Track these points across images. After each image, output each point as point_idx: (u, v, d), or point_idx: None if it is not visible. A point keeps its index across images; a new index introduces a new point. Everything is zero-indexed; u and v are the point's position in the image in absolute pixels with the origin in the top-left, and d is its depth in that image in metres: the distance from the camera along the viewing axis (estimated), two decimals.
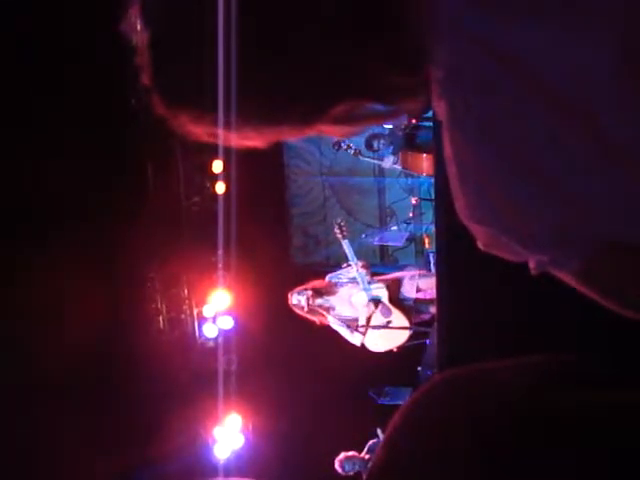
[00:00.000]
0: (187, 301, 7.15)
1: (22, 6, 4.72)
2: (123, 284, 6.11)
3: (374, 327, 5.51)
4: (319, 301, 5.59)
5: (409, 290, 5.65)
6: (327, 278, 5.81)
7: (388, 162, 6.02)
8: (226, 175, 6.57)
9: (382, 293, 5.57)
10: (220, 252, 6.41)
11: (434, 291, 4.50)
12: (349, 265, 5.65)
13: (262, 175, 6.64)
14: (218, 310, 6.86)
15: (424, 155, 5.70)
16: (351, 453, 5.76)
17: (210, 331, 6.97)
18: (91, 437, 4.94)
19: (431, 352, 5.22)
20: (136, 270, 6.51)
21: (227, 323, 6.86)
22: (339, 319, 5.61)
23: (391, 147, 5.97)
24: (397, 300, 5.62)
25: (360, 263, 5.60)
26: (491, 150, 0.85)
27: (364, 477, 5.28)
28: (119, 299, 5.93)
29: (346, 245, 5.53)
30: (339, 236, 5.56)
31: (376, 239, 7.24)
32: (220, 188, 6.80)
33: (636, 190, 0.82)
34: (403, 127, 5.83)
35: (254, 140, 0.98)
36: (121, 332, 5.85)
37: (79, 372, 5.00)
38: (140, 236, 5.87)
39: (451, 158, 0.89)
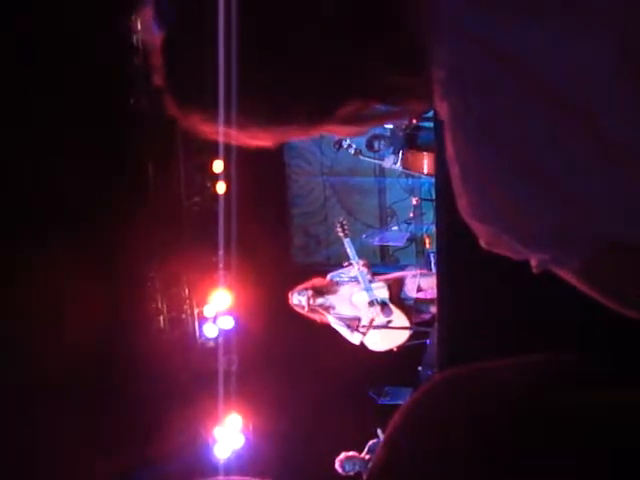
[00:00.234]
0: (188, 301, 7.15)
1: (22, 6, 4.72)
2: (123, 284, 6.11)
3: (375, 327, 5.51)
4: (319, 300, 5.59)
5: (410, 289, 5.65)
6: (328, 277, 5.81)
7: (389, 162, 6.02)
8: (227, 175, 6.57)
9: (383, 293, 5.57)
10: (221, 252, 6.41)
11: (435, 291, 4.50)
12: (350, 264, 5.65)
13: (263, 175, 6.64)
14: (219, 310, 6.86)
15: (425, 154, 5.70)
16: (351, 453, 5.76)
17: (210, 331, 6.97)
18: (91, 437, 4.94)
19: (431, 352, 5.22)
20: (136, 270, 6.51)
21: (227, 323, 6.86)
22: (339, 318, 5.61)
23: (392, 148, 5.97)
24: (398, 300, 5.62)
25: (361, 262, 5.60)
26: (491, 150, 0.85)
27: (364, 477, 5.28)
28: (119, 299, 5.92)
29: (348, 244, 5.54)
30: (341, 235, 5.56)
31: (377, 239, 7.25)
32: (221, 188, 6.80)
33: (636, 190, 0.82)
34: (404, 127, 5.83)
35: (263, 140, 0.99)
36: (121, 332, 5.85)
37: (79, 372, 5.00)
38: (140, 236, 5.87)
39: (453, 158, 0.89)
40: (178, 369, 6.75)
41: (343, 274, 5.76)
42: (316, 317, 5.63)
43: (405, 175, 7.08)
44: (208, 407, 6.43)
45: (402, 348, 5.63)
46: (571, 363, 0.79)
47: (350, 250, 5.54)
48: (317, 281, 5.71)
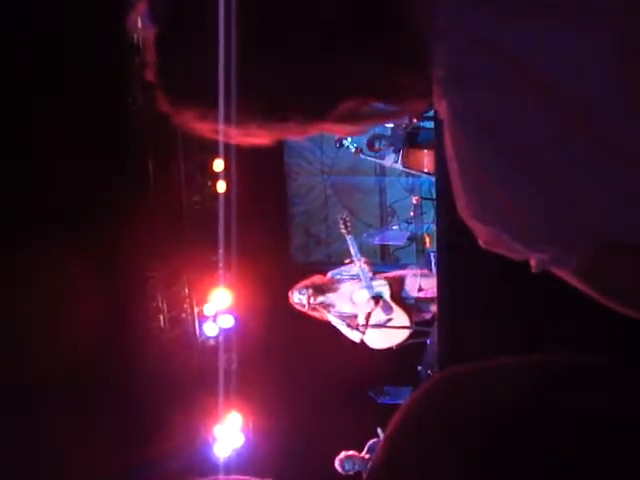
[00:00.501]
0: (188, 300, 7.15)
1: (22, 5, 4.72)
2: (123, 283, 6.11)
3: (374, 326, 5.51)
4: (320, 299, 5.59)
5: (411, 288, 5.65)
6: (329, 274, 5.81)
7: (389, 161, 6.02)
8: (227, 174, 6.57)
9: (384, 290, 5.57)
10: (221, 251, 6.41)
11: (435, 290, 4.50)
12: (352, 262, 5.65)
13: (263, 174, 6.65)
14: (219, 309, 6.86)
15: (425, 152, 5.70)
16: (351, 452, 5.77)
17: (211, 330, 6.96)
18: (91, 436, 4.94)
19: (431, 351, 5.22)
20: (137, 269, 6.51)
21: (228, 322, 6.85)
22: (339, 316, 5.61)
23: (392, 148, 5.97)
24: (399, 298, 5.62)
25: (363, 259, 5.60)
26: (491, 149, 0.85)
27: (364, 476, 5.28)
28: (119, 298, 5.92)
29: (350, 241, 5.53)
30: (343, 231, 5.55)
31: (377, 238, 7.24)
32: (221, 187, 6.79)
33: (636, 190, 0.82)
34: (404, 126, 5.83)
35: (259, 137, 0.99)
36: (122, 331, 5.85)
37: (79, 372, 4.99)
38: (140, 235, 5.86)
39: (452, 157, 0.89)
40: (178, 368, 6.75)
41: (344, 272, 5.76)
42: (317, 315, 5.63)
43: (405, 174, 7.07)
44: (208, 406, 6.43)
45: (402, 346, 5.63)
46: (571, 362, 0.79)
47: (352, 247, 5.53)
48: (317, 279, 5.70)
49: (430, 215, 6.72)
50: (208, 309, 6.91)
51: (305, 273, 5.89)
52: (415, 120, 5.61)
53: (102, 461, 5.07)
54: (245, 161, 4.42)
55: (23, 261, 4.66)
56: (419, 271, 5.84)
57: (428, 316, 5.61)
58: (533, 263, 0.90)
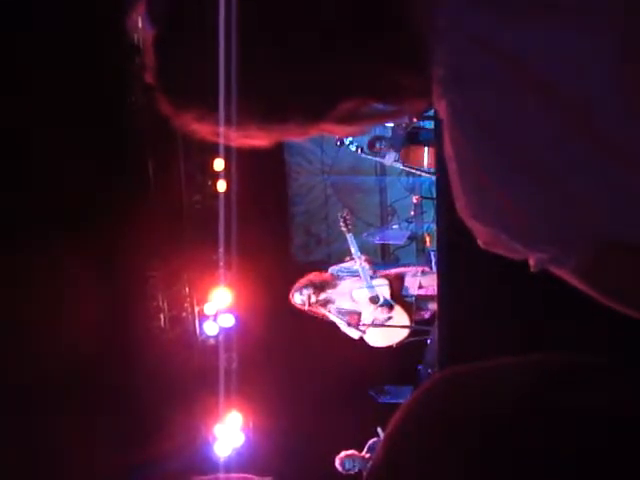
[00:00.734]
0: (188, 299, 7.15)
1: (22, 5, 4.72)
2: (124, 282, 6.11)
3: (375, 325, 5.51)
4: (321, 296, 5.59)
5: (411, 287, 5.65)
6: (329, 270, 5.81)
7: (390, 159, 6.03)
8: (227, 173, 6.57)
9: (384, 289, 5.56)
10: (221, 250, 6.41)
11: (435, 288, 4.50)
12: (352, 259, 5.65)
13: (263, 173, 6.64)
14: (219, 308, 6.86)
15: (425, 148, 5.70)
16: (351, 452, 5.77)
17: (211, 329, 6.96)
18: (91, 437, 4.94)
19: (432, 350, 5.22)
20: (137, 268, 6.51)
21: (228, 321, 6.85)
22: (339, 312, 5.61)
23: (393, 149, 5.97)
24: (399, 296, 5.61)
25: (363, 257, 5.60)
26: (491, 149, 0.85)
27: (364, 476, 5.28)
28: (120, 297, 5.92)
29: (350, 239, 5.52)
30: (344, 229, 5.55)
31: (377, 238, 7.24)
32: (221, 186, 6.80)
33: (636, 190, 0.82)
34: (404, 126, 5.84)
35: (259, 139, 0.98)
36: (122, 330, 5.85)
37: (79, 372, 5.00)
38: (141, 234, 5.86)
39: (452, 157, 0.89)
40: (178, 367, 6.75)
41: (344, 268, 5.75)
42: (319, 311, 5.62)
43: (406, 174, 7.08)
44: (208, 405, 6.43)
45: (401, 345, 5.63)
46: (571, 362, 0.79)
47: (352, 245, 5.52)
48: (314, 276, 5.69)
49: (430, 214, 6.72)
50: (208, 308, 6.92)
51: (305, 273, 5.89)
52: (415, 120, 5.61)
53: (102, 461, 5.07)
54: (245, 161, 4.41)
55: (23, 261, 4.66)
56: (420, 269, 5.84)
57: (427, 314, 5.61)
58: (532, 263, 0.90)
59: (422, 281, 5.65)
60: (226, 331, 6.89)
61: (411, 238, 7.32)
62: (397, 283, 5.65)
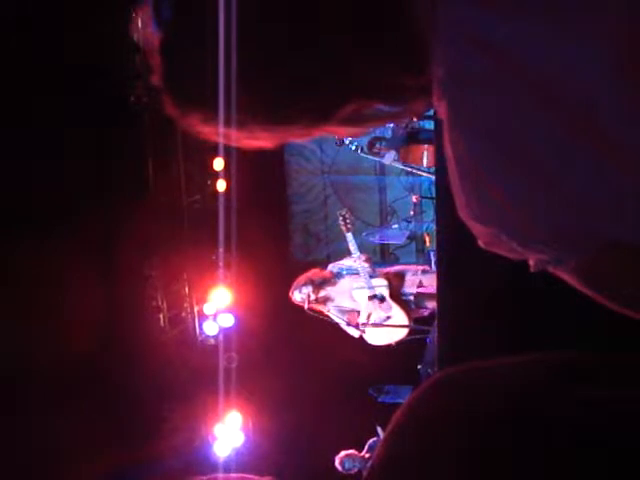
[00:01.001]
0: (188, 299, 7.15)
1: (22, 5, 4.72)
2: (123, 282, 6.11)
3: (374, 325, 5.51)
4: (321, 293, 5.58)
5: (411, 286, 5.64)
6: (329, 267, 5.80)
7: (389, 158, 6.02)
8: (227, 173, 6.58)
9: (384, 290, 5.56)
10: (221, 250, 6.41)
11: (435, 287, 4.50)
12: (351, 258, 5.65)
13: (263, 173, 6.64)
14: (219, 308, 6.86)
15: (425, 146, 5.70)
16: (351, 451, 5.77)
17: (211, 329, 6.96)
18: (91, 436, 4.94)
19: (431, 350, 5.22)
20: (136, 268, 6.51)
21: (228, 321, 6.86)
22: (338, 310, 5.61)
23: (393, 149, 5.97)
24: (398, 296, 5.61)
25: (363, 257, 5.60)
26: (491, 149, 0.85)
27: (364, 475, 5.29)
28: (119, 297, 5.93)
29: (350, 238, 5.52)
30: (343, 228, 5.54)
31: (377, 237, 7.24)
32: (221, 186, 6.80)
33: (636, 190, 0.82)
34: (404, 125, 5.83)
35: (263, 141, 0.99)
36: (122, 330, 5.85)
37: (79, 371, 5.00)
38: (140, 234, 5.87)
39: (451, 157, 0.89)
40: (178, 367, 6.75)
41: (344, 265, 5.75)
42: (319, 308, 5.62)
43: (405, 173, 7.08)
44: (208, 405, 6.43)
45: (400, 343, 5.63)
46: (571, 361, 0.79)
47: (352, 244, 5.52)
48: (316, 273, 5.68)
49: (430, 214, 6.73)
50: (208, 308, 6.92)
51: (305, 272, 5.89)
52: (415, 120, 5.61)
53: (102, 460, 5.07)
54: (245, 160, 4.41)
55: (23, 261, 4.66)
56: (420, 267, 5.84)
57: (426, 313, 5.61)
58: (532, 263, 0.90)
59: (422, 280, 5.64)
60: (226, 331, 6.89)
61: (410, 238, 7.32)
62: (396, 282, 5.65)
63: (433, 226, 5.84)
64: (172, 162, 6.76)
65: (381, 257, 7.96)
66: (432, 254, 5.81)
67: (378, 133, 6.20)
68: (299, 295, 5.55)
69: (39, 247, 4.71)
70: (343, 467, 5.71)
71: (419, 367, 5.57)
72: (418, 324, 5.55)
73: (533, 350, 0.80)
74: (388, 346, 5.64)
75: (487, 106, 0.85)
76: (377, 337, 5.61)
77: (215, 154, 6.53)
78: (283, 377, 6.40)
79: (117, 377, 5.50)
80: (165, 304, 6.91)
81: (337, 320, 5.62)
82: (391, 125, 5.94)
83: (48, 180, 4.88)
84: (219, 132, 0.96)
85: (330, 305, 5.63)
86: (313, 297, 5.52)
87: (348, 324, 5.54)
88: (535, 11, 0.83)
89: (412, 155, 5.85)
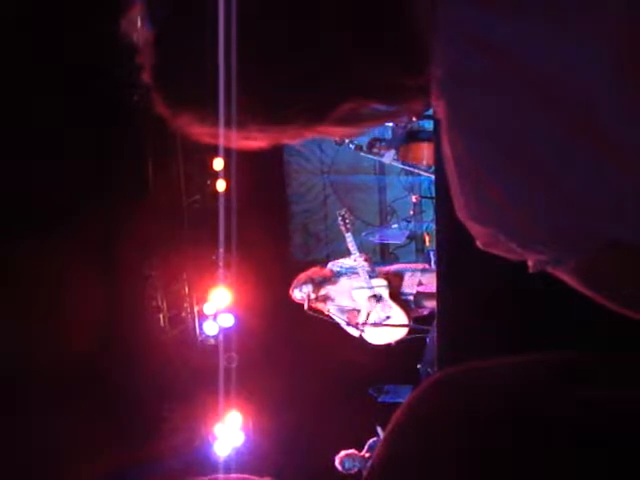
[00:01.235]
0: (188, 299, 7.15)
1: (22, 4, 4.72)
2: (123, 282, 6.11)
3: (374, 325, 5.51)
4: (321, 292, 5.59)
5: (410, 285, 5.64)
6: (328, 265, 5.80)
7: (389, 157, 6.02)
8: (227, 173, 6.57)
9: (383, 290, 5.57)
10: (221, 250, 6.41)
11: (434, 286, 4.50)
12: (352, 258, 5.65)
13: (263, 173, 6.63)
14: (219, 308, 6.86)
15: (425, 144, 5.69)
16: (351, 451, 5.77)
17: (211, 329, 6.96)
18: (91, 435, 4.94)
19: (431, 350, 5.22)
20: (136, 268, 6.51)
21: (228, 321, 6.85)
22: (338, 310, 5.61)
23: (392, 149, 5.97)
24: (397, 296, 5.62)
25: (362, 256, 5.60)
26: (490, 149, 0.85)
27: (364, 475, 5.28)
28: (119, 297, 5.93)
29: (349, 238, 5.52)
30: (342, 229, 5.54)
31: (376, 237, 7.24)
32: (221, 186, 6.80)
33: (636, 190, 0.82)
34: (404, 125, 5.83)
35: (258, 141, 0.98)
36: (121, 330, 5.85)
37: (79, 371, 5.00)
38: (140, 234, 5.86)
39: (450, 157, 0.89)
40: (178, 367, 6.75)
41: (344, 264, 5.74)
42: (319, 307, 5.62)
43: (405, 173, 7.08)
44: (208, 405, 6.44)
45: (400, 343, 5.63)
46: (570, 362, 0.79)
47: (351, 245, 5.52)
48: (316, 271, 5.68)
49: (430, 214, 6.73)
50: (208, 308, 6.92)
51: (305, 271, 5.89)
52: (415, 119, 5.61)
53: (102, 460, 5.07)
54: (245, 160, 4.40)
55: (23, 261, 4.66)
56: (420, 266, 5.84)
57: (426, 312, 5.61)
58: (531, 264, 0.90)
59: (422, 279, 5.65)
60: (226, 331, 6.89)
61: (410, 237, 7.32)
62: (396, 282, 5.65)
63: (433, 226, 5.84)
64: (172, 162, 6.76)
65: (381, 257, 7.96)
66: (432, 254, 5.81)
67: (378, 133, 6.19)
68: (299, 294, 5.56)
69: (39, 247, 4.71)
70: (343, 467, 5.71)
71: (419, 367, 5.57)
72: (418, 324, 5.56)
73: (533, 350, 0.80)
74: (388, 346, 5.65)
75: (487, 106, 0.85)
76: (377, 337, 5.62)
77: (215, 154, 6.53)
78: (283, 377, 6.40)
79: (117, 377, 5.50)
80: (165, 304, 6.91)
81: (337, 319, 5.62)
82: (391, 125, 5.94)
83: (48, 180, 4.88)
84: (213, 132, 0.95)
85: (330, 304, 5.63)
86: (313, 296, 5.53)
87: (348, 323, 5.55)
88: (535, 11, 0.83)
89: (412, 154, 5.85)
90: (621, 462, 0.65)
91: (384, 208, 8.03)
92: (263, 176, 6.73)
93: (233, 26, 0.85)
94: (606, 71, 0.79)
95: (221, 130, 0.94)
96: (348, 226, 5.54)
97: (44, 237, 4.80)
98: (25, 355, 4.70)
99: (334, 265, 5.79)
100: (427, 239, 6.75)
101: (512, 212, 0.87)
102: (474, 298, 2.82)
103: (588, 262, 0.86)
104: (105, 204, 5.57)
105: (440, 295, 3.32)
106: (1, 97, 4.59)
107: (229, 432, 6.60)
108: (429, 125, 5.74)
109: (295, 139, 1.00)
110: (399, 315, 5.57)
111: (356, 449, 5.79)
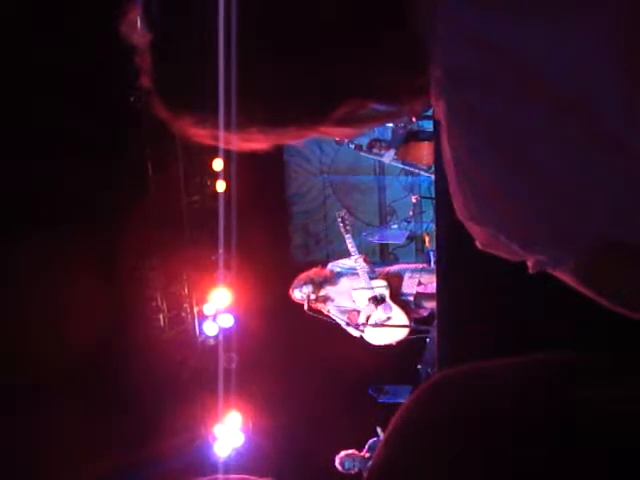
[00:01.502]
0: (187, 299, 7.15)
1: (22, 5, 4.72)
2: (123, 282, 6.11)
3: (374, 325, 5.51)
4: (321, 292, 5.58)
5: (410, 286, 5.64)
6: (328, 266, 5.80)
7: (389, 157, 6.02)
8: (226, 173, 6.58)
9: (383, 291, 5.57)
10: (220, 250, 6.42)
11: (434, 286, 4.50)
12: (351, 259, 5.65)
13: (263, 173, 6.64)
14: (218, 308, 6.86)
15: (425, 144, 5.69)
16: (351, 451, 5.78)
17: (210, 329, 6.96)
18: (91, 435, 4.95)
19: (431, 350, 5.22)
20: (136, 268, 6.51)
21: (227, 321, 6.86)
22: (338, 310, 5.61)
23: (392, 150, 5.97)
24: (397, 296, 5.61)
25: (362, 257, 5.60)
26: (489, 149, 0.85)
27: (364, 475, 5.28)
28: (119, 297, 5.92)
29: (348, 239, 5.52)
30: (342, 230, 5.54)
31: (376, 237, 7.24)
32: (221, 186, 6.80)
33: (635, 190, 0.82)
34: (404, 125, 5.83)
35: (258, 142, 0.98)
36: (121, 330, 5.85)
37: (79, 371, 5.00)
38: (140, 234, 5.87)
39: (449, 158, 0.89)
40: (178, 367, 6.75)
41: (344, 265, 5.74)
42: (318, 307, 5.62)
43: (405, 173, 7.08)
44: (208, 405, 6.44)
45: (401, 343, 5.63)
46: (570, 362, 0.79)
47: (351, 246, 5.52)
48: (316, 272, 5.68)
49: (429, 214, 6.73)
50: (208, 308, 6.92)
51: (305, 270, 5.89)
52: (414, 120, 5.61)
53: (102, 460, 5.07)
54: (244, 160, 4.40)
55: (23, 261, 4.67)
56: (419, 265, 5.84)
57: (425, 313, 5.61)
58: (530, 264, 0.90)
59: (422, 279, 5.64)
60: (225, 331, 6.89)
61: (410, 238, 7.32)
62: (396, 283, 5.65)
63: (433, 226, 5.84)
64: (172, 162, 6.76)
65: (380, 257, 7.97)
66: (432, 254, 5.81)
67: (378, 133, 6.20)
68: (299, 294, 5.55)
69: (39, 247, 4.71)
70: (343, 467, 5.71)
71: (419, 367, 5.58)
72: (418, 324, 5.56)
73: (533, 350, 0.79)
74: (388, 346, 5.65)
75: (486, 106, 0.85)
76: (377, 337, 5.62)
77: (215, 155, 6.53)
78: (283, 377, 6.40)
79: (117, 377, 5.50)
80: (165, 304, 6.92)
81: (337, 320, 5.62)
82: (391, 125, 5.94)
83: (48, 180, 4.88)
84: (214, 135, 0.94)
85: (330, 305, 5.63)
86: (313, 297, 5.52)
87: (348, 324, 5.54)
88: (535, 11, 0.83)
89: (411, 154, 5.86)
90: (621, 462, 0.65)
91: (384, 208, 8.03)
92: (263, 176, 6.73)
93: (233, 28, 0.85)
94: (606, 71, 0.79)
95: (221, 133, 0.93)
96: (348, 228, 5.54)
97: (44, 237, 4.80)
98: (25, 355, 4.70)
99: (334, 265, 5.79)
100: (427, 239, 6.75)
101: (512, 212, 0.86)
102: (474, 298, 2.81)
103: (588, 262, 0.86)
104: (105, 204, 5.56)
105: (440, 295, 3.32)
106: (1, 97, 4.59)
107: (229, 432, 6.60)
108: (429, 125, 5.74)
109: (296, 140, 1.00)
110: (400, 316, 5.57)
111: (356, 449, 5.79)
